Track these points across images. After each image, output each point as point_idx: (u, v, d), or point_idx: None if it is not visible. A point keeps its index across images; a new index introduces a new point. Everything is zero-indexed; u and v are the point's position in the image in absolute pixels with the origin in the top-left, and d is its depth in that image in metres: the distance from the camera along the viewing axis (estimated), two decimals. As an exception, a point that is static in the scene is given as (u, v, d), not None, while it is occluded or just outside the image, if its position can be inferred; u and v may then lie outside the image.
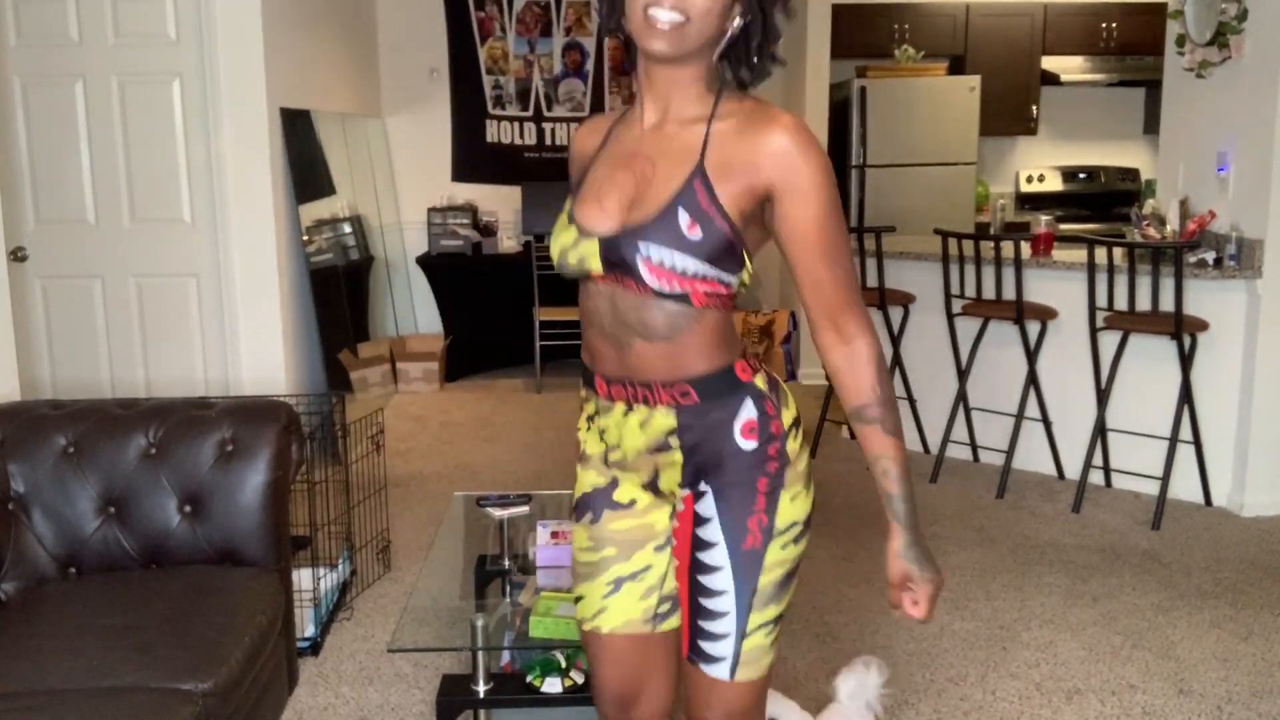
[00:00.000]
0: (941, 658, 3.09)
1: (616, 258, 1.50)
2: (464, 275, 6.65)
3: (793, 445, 1.59)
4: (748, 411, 1.56)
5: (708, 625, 1.60)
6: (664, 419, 1.56)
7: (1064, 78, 7.18)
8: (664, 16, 1.41)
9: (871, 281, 5.02)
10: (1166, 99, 4.84)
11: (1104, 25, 7.12)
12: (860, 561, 3.78)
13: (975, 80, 6.68)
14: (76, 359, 4.40)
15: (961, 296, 4.64)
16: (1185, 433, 4.27)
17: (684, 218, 1.46)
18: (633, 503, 1.66)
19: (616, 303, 1.53)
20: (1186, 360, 4.12)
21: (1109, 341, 4.36)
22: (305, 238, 4.93)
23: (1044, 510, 4.32)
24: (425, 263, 6.68)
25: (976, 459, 4.94)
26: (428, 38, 6.97)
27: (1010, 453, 4.55)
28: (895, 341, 4.97)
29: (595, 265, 1.53)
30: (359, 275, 5.92)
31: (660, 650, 1.71)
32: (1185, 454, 4.31)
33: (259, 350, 4.42)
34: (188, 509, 2.51)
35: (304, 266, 4.91)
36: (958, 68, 7.07)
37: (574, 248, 1.55)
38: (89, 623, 2.18)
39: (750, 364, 1.59)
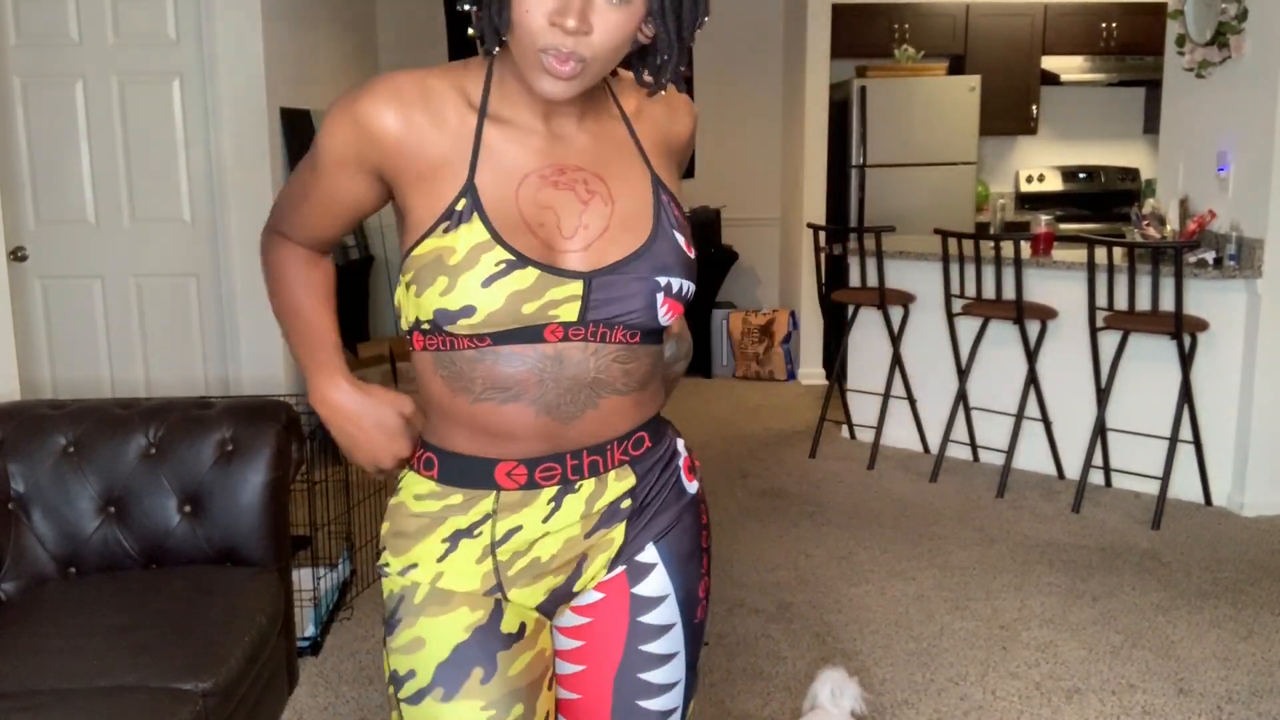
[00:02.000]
0: (941, 658, 3.09)
1: (612, 299, 1.19)
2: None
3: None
4: (680, 449, 1.36)
5: None
6: (619, 482, 1.27)
7: (1064, 77, 7.17)
8: (564, 69, 1.12)
9: (872, 281, 5.03)
10: (1166, 99, 4.84)
11: (1104, 25, 7.12)
12: (860, 561, 3.78)
13: (975, 80, 6.67)
14: (76, 359, 4.40)
15: (961, 296, 4.64)
16: (1185, 432, 4.27)
17: (678, 236, 1.24)
18: (523, 628, 1.27)
19: (581, 362, 1.19)
20: (1186, 360, 4.12)
21: (1109, 341, 4.36)
22: (305, 238, 4.93)
23: (1044, 510, 4.32)
24: (425, 263, 6.67)
25: (976, 459, 4.94)
26: (428, 38, 6.97)
27: (1010, 452, 4.55)
28: (895, 341, 4.97)
29: (569, 314, 1.17)
30: (359, 275, 5.91)
31: None
32: (1185, 454, 4.31)
33: (259, 350, 4.42)
34: (188, 509, 2.51)
35: (304, 266, 4.90)
36: (958, 68, 7.07)
37: (534, 295, 1.15)
38: (89, 623, 2.18)
39: None
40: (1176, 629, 3.27)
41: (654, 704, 1.31)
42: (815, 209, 6.46)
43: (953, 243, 4.60)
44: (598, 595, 1.30)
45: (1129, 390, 4.43)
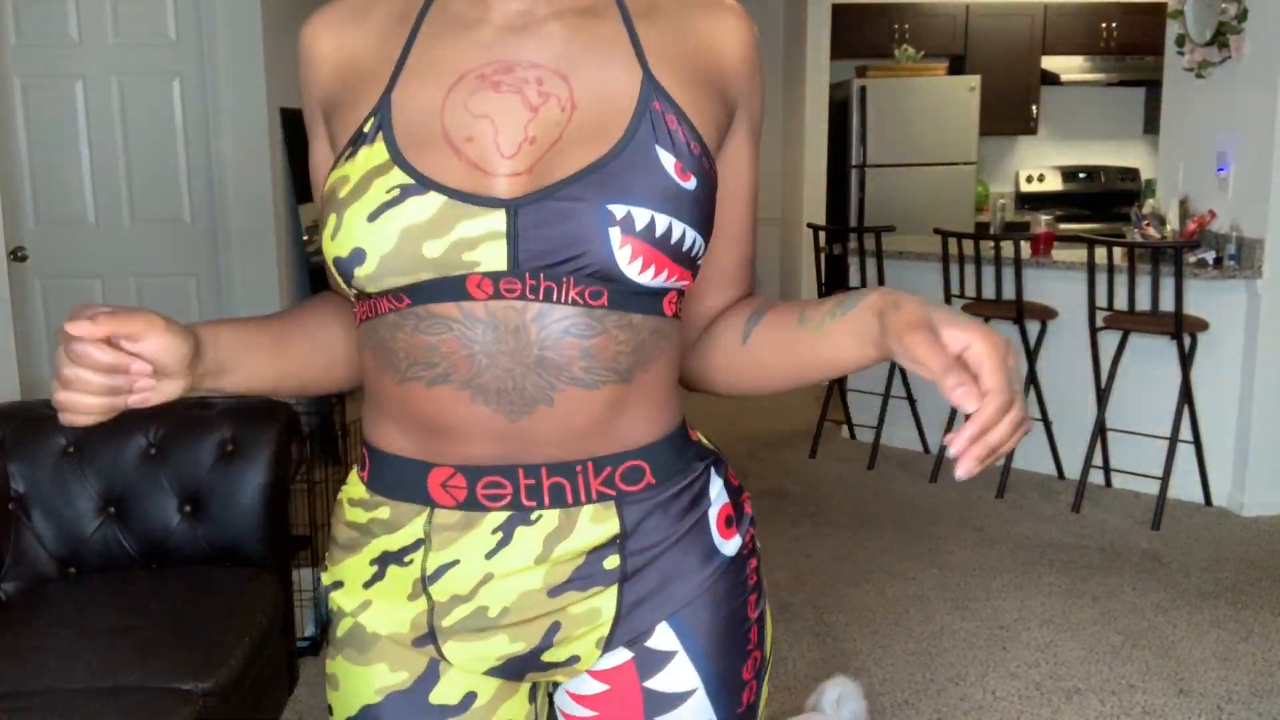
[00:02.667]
0: (941, 658, 3.09)
1: (551, 238, 0.86)
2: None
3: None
4: (718, 491, 1.00)
5: None
6: (596, 525, 0.93)
7: (1064, 78, 7.18)
8: None
9: (872, 281, 5.02)
10: (1166, 99, 4.84)
11: (1104, 25, 7.12)
12: (860, 561, 3.78)
13: (975, 80, 6.68)
14: (76, 359, 4.39)
15: (961, 296, 4.64)
16: (1185, 432, 4.27)
17: (665, 155, 0.89)
18: (469, 700, 0.97)
19: (521, 331, 0.87)
20: (1186, 360, 4.12)
21: (1109, 341, 4.36)
22: (305, 238, 4.93)
23: (1044, 510, 4.32)
24: (425, 263, 6.67)
25: (976, 459, 4.93)
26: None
27: (1010, 452, 4.54)
28: (895, 341, 4.96)
29: (494, 260, 0.86)
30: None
31: None
32: (1185, 454, 4.31)
33: (259, 350, 4.42)
34: (188, 509, 2.51)
35: (304, 266, 4.90)
36: (958, 68, 7.07)
37: (438, 230, 0.86)
38: (89, 623, 2.18)
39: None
40: (1176, 629, 3.27)
41: None
42: (815, 209, 6.46)
43: (953, 243, 4.60)
44: (600, 686, 0.98)
45: (1129, 390, 4.43)
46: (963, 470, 0.77)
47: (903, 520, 4.21)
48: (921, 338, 0.80)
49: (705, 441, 1.03)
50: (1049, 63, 7.19)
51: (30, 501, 2.47)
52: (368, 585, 0.97)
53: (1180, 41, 4.60)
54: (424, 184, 0.86)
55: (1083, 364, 4.52)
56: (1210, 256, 4.19)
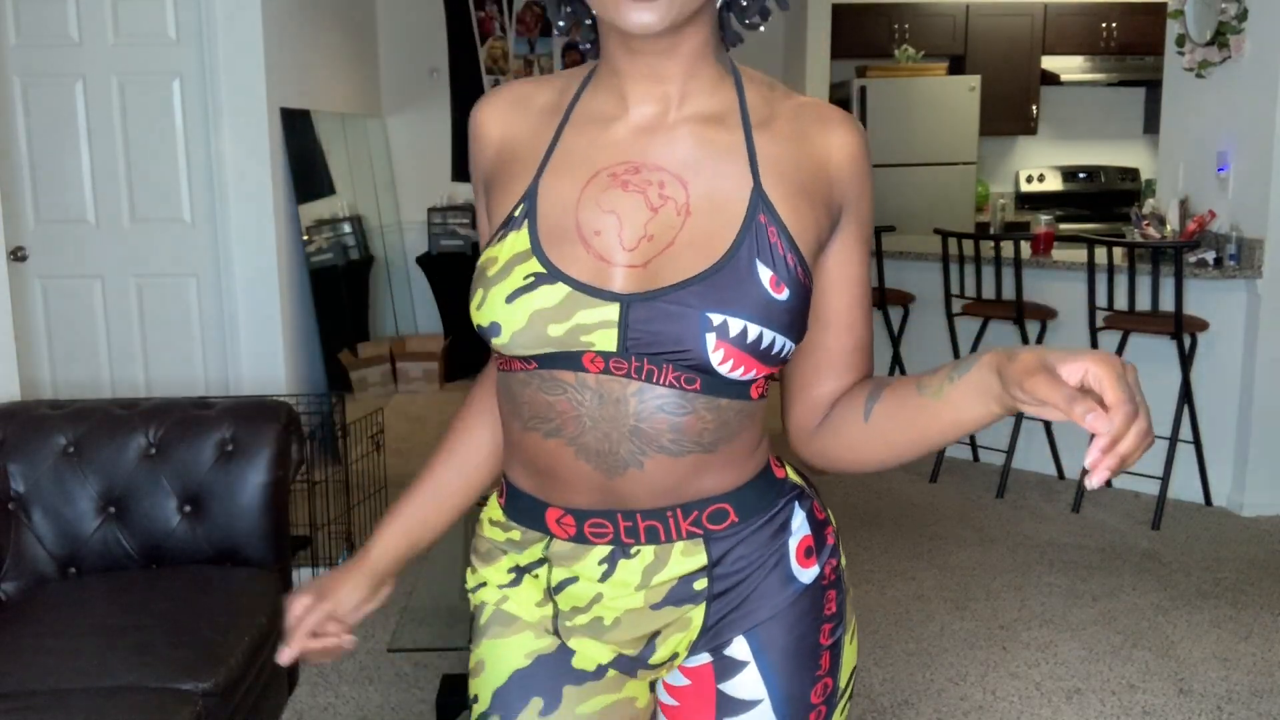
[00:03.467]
0: (941, 658, 3.09)
1: (655, 332, 0.98)
2: (464, 275, 6.59)
3: (842, 556, 1.15)
4: (799, 524, 1.11)
5: None
6: (686, 558, 1.06)
7: (1064, 78, 7.18)
8: None
9: (872, 281, 5.02)
10: (1166, 99, 4.84)
11: (1104, 25, 7.12)
12: (860, 561, 3.79)
13: (975, 80, 6.68)
14: (76, 359, 4.40)
15: (961, 296, 4.64)
16: (1185, 433, 4.27)
17: (763, 269, 0.99)
18: (601, 671, 1.12)
19: (621, 401, 0.99)
20: (1186, 360, 4.12)
21: (1109, 341, 4.36)
22: (305, 238, 4.93)
23: (1044, 510, 4.32)
24: (425, 263, 6.68)
25: (976, 459, 4.94)
26: (428, 38, 6.97)
27: (1010, 452, 4.54)
28: (895, 341, 4.97)
29: (606, 343, 0.98)
30: (359, 275, 5.91)
31: None
32: (1185, 454, 4.31)
33: (259, 350, 4.42)
34: (188, 509, 2.51)
35: (304, 266, 4.90)
36: (958, 68, 7.07)
37: (562, 315, 0.99)
38: (89, 623, 2.18)
39: (772, 452, 1.13)
40: (1176, 629, 3.27)
41: None
42: (815, 209, 6.46)
43: (953, 243, 4.60)
44: (684, 680, 1.12)
45: (1129, 390, 4.42)
46: (1096, 480, 0.83)
47: (903, 520, 4.21)
48: (1041, 379, 0.84)
49: (793, 476, 1.14)
50: (1049, 63, 7.19)
51: (30, 501, 2.47)
52: (504, 586, 1.14)
53: (1180, 41, 4.60)
54: (554, 275, 1.00)
55: (1083, 364, 4.51)
56: (1210, 256, 4.19)
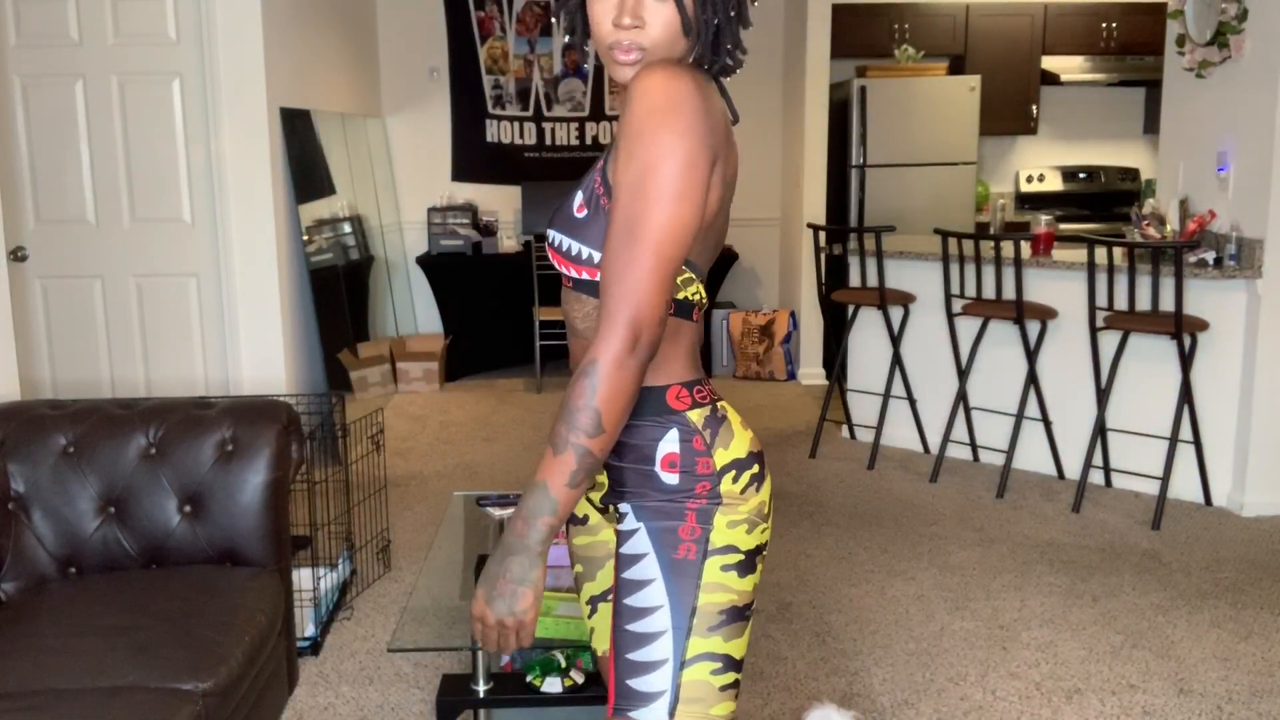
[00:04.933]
0: (941, 658, 3.09)
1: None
2: (464, 275, 6.65)
3: (731, 486, 1.41)
4: (669, 444, 1.41)
5: (639, 655, 1.39)
6: None
7: (1064, 78, 7.18)
8: (627, 58, 1.36)
9: (871, 281, 5.03)
10: (1166, 99, 4.84)
11: (1104, 25, 7.12)
12: (860, 561, 3.79)
13: (975, 80, 6.67)
14: (76, 359, 4.40)
15: (961, 296, 4.65)
16: (1185, 433, 4.27)
17: (578, 197, 1.41)
18: (585, 518, 1.56)
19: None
20: (1186, 360, 4.12)
21: (1109, 341, 4.36)
22: (305, 238, 4.93)
23: (1044, 510, 4.32)
24: (425, 263, 6.68)
25: (976, 459, 4.94)
26: (428, 38, 6.97)
27: (1010, 453, 4.55)
28: (895, 341, 4.97)
29: None
30: (359, 275, 5.92)
31: None
32: (1185, 454, 4.31)
33: (259, 350, 4.42)
34: (188, 509, 2.51)
35: (304, 266, 4.91)
36: (958, 68, 7.07)
37: None
38: (89, 623, 2.18)
39: (693, 396, 1.43)
40: (1176, 629, 3.27)
41: (639, 625, 1.42)
42: (815, 209, 6.46)
43: (953, 243, 4.60)
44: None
45: (1129, 390, 4.43)
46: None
47: (903, 520, 4.21)
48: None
49: (693, 414, 1.44)
50: (1049, 63, 7.19)
51: (30, 501, 2.47)
52: None
53: (1180, 41, 4.60)
54: None
55: (1083, 364, 4.52)
56: (1210, 256, 4.19)
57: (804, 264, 6.41)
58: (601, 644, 1.58)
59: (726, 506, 1.41)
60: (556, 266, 1.43)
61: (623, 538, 1.43)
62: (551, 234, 1.43)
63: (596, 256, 1.36)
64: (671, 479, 1.40)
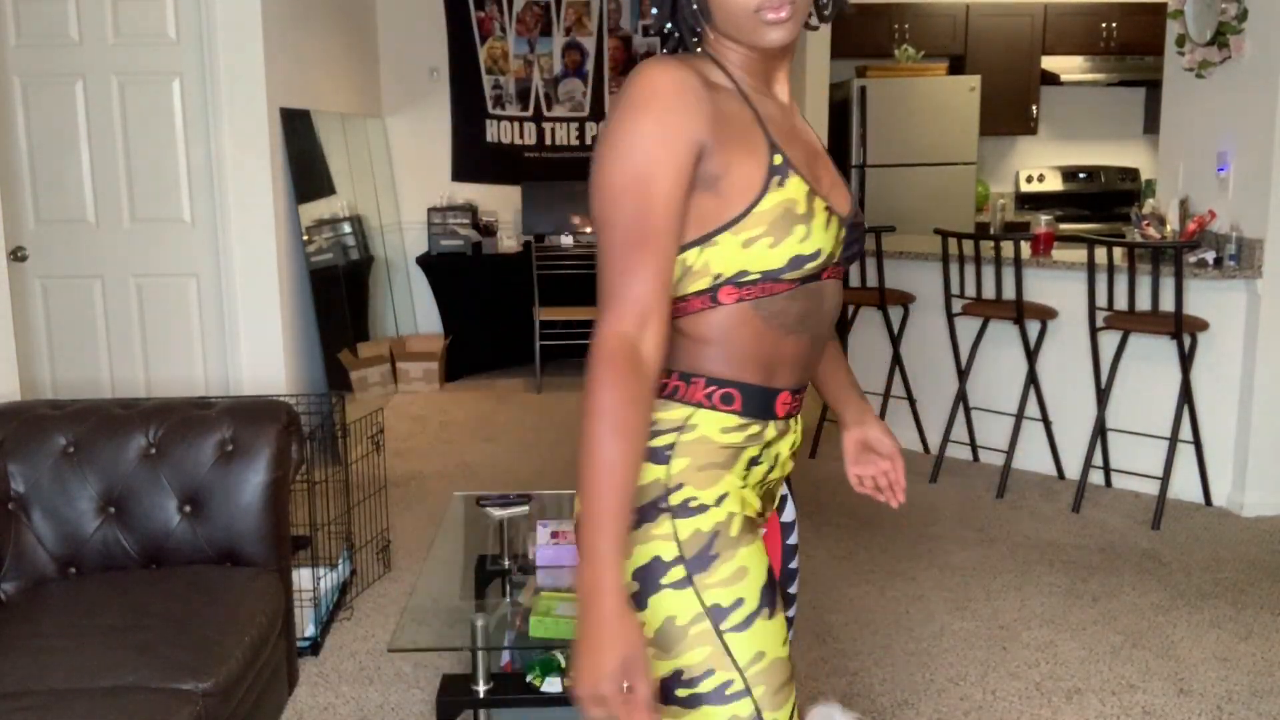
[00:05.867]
0: (941, 658, 3.09)
1: (850, 243, 1.37)
2: (464, 275, 6.65)
3: None
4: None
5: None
6: (797, 432, 1.43)
7: (1064, 78, 7.18)
8: (783, 14, 1.26)
9: (871, 281, 5.03)
10: (1166, 99, 4.84)
11: (1104, 25, 7.12)
12: (860, 561, 3.79)
13: (975, 80, 6.68)
14: (76, 359, 4.40)
15: (961, 296, 4.65)
16: (1185, 433, 4.27)
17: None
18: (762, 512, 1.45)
19: (834, 295, 1.36)
20: (1186, 360, 4.12)
21: (1109, 341, 4.36)
22: (305, 238, 4.93)
23: (1044, 510, 4.32)
24: (425, 263, 6.68)
25: (976, 459, 4.94)
26: (428, 38, 6.98)
27: (1010, 453, 4.55)
28: (895, 341, 4.97)
29: (834, 255, 1.33)
30: (359, 275, 5.92)
31: None
32: (1185, 454, 4.31)
33: (259, 350, 4.42)
34: (188, 509, 2.51)
35: (304, 266, 4.91)
36: (958, 68, 7.08)
37: (837, 238, 1.33)
38: (89, 623, 2.18)
39: None
40: (1176, 629, 3.27)
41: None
42: (815, 209, 6.46)
43: (953, 243, 4.60)
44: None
45: (1129, 390, 4.43)
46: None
47: (903, 520, 4.21)
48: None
49: None
50: (1049, 63, 7.19)
51: (30, 501, 2.47)
52: (740, 488, 1.33)
53: (1180, 41, 4.60)
54: (832, 210, 1.31)
55: (1083, 364, 4.52)
56: (1210, 256, 4.19)
57: (804, 264, 6.42)
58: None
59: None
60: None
61: (787, 530, 1.53)
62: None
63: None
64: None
